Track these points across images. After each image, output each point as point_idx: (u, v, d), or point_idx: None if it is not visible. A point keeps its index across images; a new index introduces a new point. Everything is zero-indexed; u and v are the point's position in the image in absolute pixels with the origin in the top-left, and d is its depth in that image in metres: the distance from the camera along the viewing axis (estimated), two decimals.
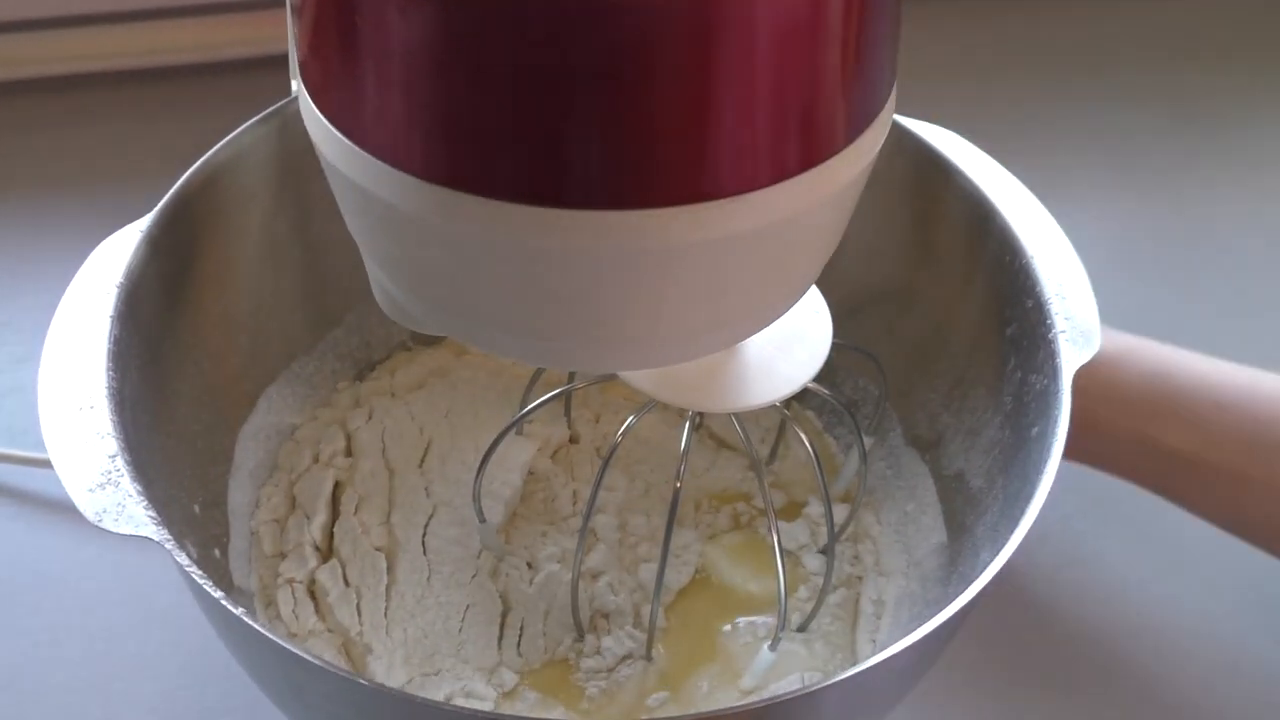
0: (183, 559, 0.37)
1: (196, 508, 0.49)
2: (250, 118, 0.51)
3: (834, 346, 0.45)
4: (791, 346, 0.45)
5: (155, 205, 0.47)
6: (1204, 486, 0.52)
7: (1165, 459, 0.52)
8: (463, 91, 0.31)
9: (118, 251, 0.46)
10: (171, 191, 0.48)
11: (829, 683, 0.37)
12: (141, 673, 0.54)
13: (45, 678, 0.54)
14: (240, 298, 0.53)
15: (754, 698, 0.50)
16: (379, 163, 0.33)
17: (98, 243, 0.47)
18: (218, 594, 0.36)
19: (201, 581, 0.37)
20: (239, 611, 0.36)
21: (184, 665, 0.54)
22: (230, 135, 0.50)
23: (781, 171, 0.32)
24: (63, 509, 0.52)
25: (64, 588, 0.57)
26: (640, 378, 0.43)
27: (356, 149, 0.33)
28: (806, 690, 0.37)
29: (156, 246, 0.46)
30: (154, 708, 0.53)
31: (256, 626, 0.36)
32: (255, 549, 0.52)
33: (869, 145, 0.35)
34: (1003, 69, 0.87)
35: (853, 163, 0.34)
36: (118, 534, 0.38)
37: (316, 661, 0.35)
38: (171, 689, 0.54)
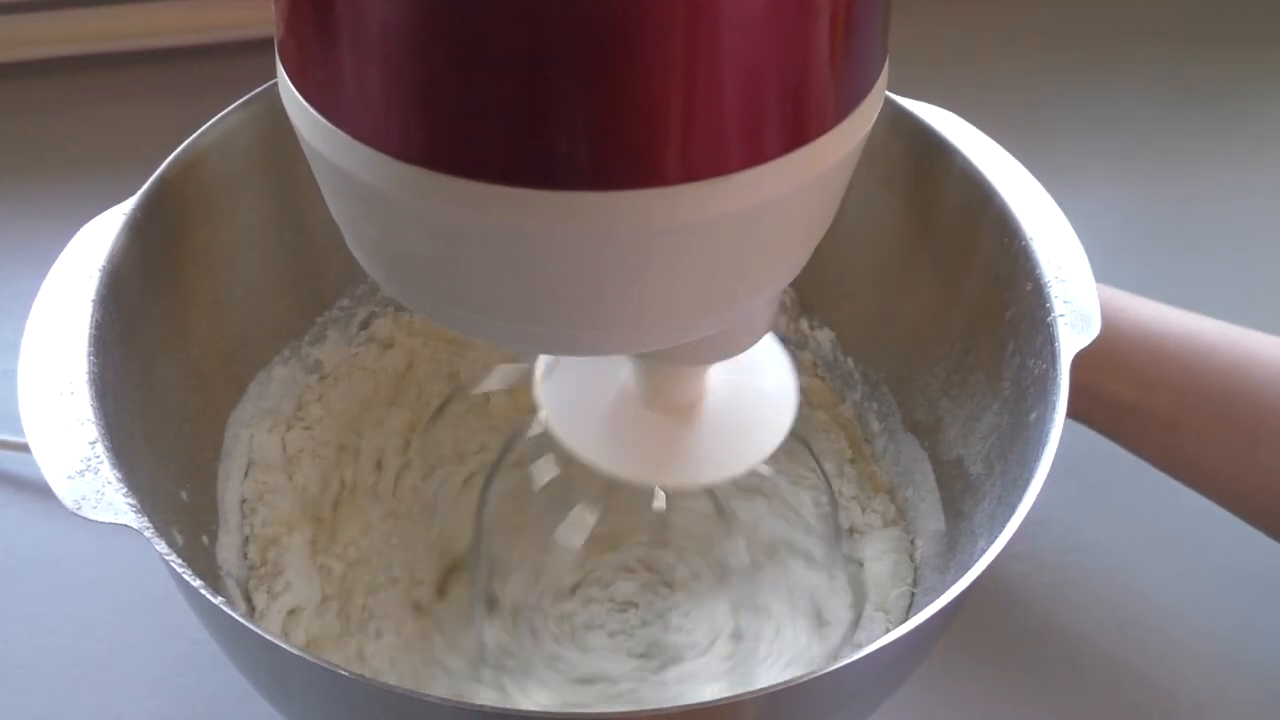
0: (162, 547, 0.37)
1: (184, 494, 0.48)
2: (238, 100, 0.50)
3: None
4: (757, 403, 0.45)
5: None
6: (1141, 432, 0.55)
7: (1106, 405, 0.54)
8: (440, 70, 0.30)
9: (100, 235, 0.45)
10: (155, 174, 0.47)
11: (822, 672, 0.37)
12: (136, 661, 0.54)
13: (37, 666, 0.54)
14: (228, 282, 0.52)
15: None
16: (357, 143, 0.32)
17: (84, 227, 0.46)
18: (197, 583, 0.36)
19: (180, 570, 0.36)
20: (218, 601, 0.35)
21: (179, 653, 0.54)
22: (216, 118, 0.49)
23: (769, 151, 0.32)
24: (55, 496, 0.52)
25: (57, 575, 0.57)
26: (595, 455, 0.43)
27: (334, 129, 0.33)
28: (799, 680, 0.37)
29: (140, 230, 0.46)
30: (149, 695, 0.53)
31: (235, 615, 0.35)
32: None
33: (860, 124, 0.34)
34: (1001, 47, 0.86)
35: (843, 141, 0.33)
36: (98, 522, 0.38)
37: (295, 651, 0.34)
38: (166, 676, 0.54)
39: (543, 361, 0.46)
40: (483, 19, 0.29)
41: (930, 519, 0.53)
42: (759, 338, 0.41)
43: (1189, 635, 0.57)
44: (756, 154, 0.31)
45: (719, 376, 0.44)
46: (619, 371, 0.45)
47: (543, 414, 0.44)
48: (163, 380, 0.48)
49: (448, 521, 0.55)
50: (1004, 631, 0.56)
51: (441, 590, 0.54)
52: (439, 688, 0.49)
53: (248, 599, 0.51)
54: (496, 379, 0.53)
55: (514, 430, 0.52)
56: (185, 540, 0.47)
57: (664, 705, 0.49)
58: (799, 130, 0.32)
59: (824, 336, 0.60)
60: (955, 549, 0.50)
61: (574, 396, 0.45)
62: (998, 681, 0.55)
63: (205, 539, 0.50)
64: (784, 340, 0.60)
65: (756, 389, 0.46)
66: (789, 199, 0.33)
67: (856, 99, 0.33)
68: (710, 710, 0.39)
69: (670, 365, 0.43)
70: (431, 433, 0.57)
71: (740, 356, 0.42)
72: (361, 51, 0.31)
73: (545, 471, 0.49)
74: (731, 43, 0.30)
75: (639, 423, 0.45)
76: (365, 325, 0.59)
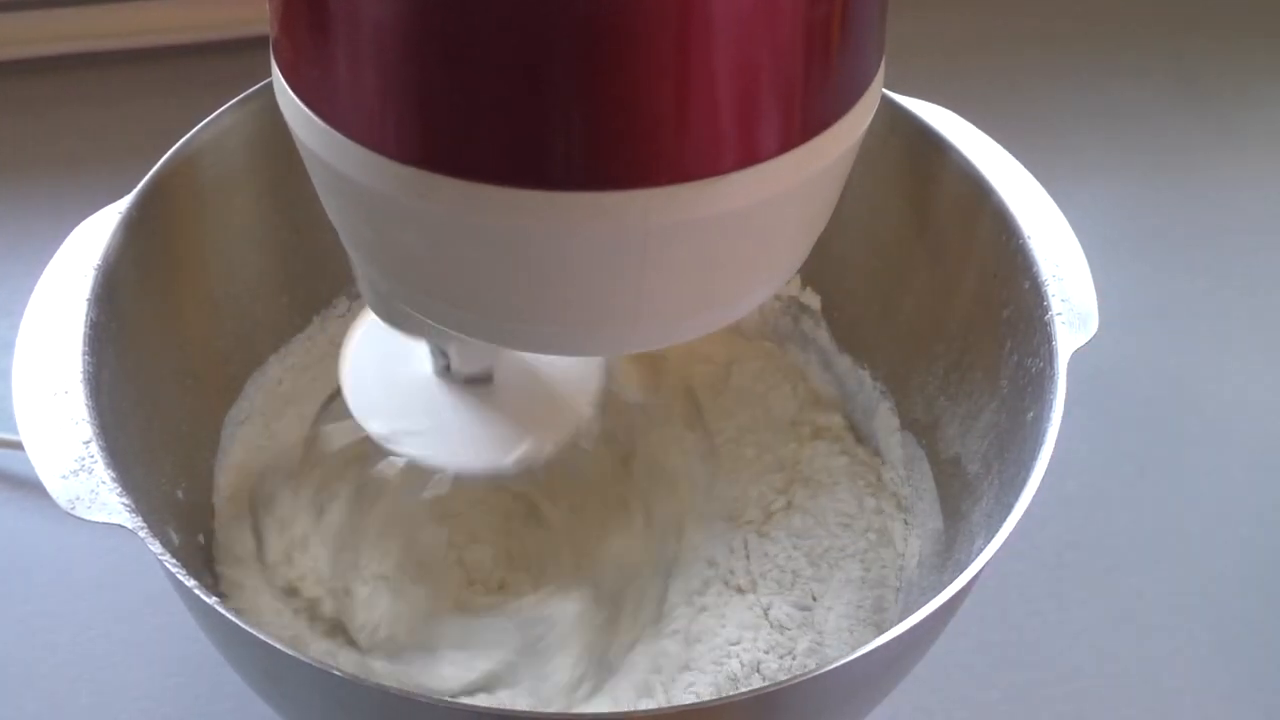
0: (156, 547, 0.37)
1: (180, 493, 0.48)
2: (234, 98, 0.50)
3: None
4: (555, 381, 0.46)
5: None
6: None
7: None
8: (435, 71, 0.30)
9: (95, 234, 0.45)
10: (151, 173, 0.47)
11: (817, 672, 0.37)
12: (132, 660, 0.54)
13: (34, 665, 0.53)
14: (224, 280, 0.52)
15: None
16: (352, 144, 0.32)
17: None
18: (191, 583, 0.36)
19: (174, 569, 0.36)
20: (212, 601, 0.35)
21: (176, 652, 0.54)
22: (211, 116, 0.49)
23: (764, 151, 0.31)
24: None
25: (54, 573, 0.57)
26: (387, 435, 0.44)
27: (329, 130, 0.33)
28: (793, 681, 0.37)
29: (135, 229, 0.46)
30: (145, 695, 0.53)
31: (228, 615, 0.35)
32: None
33: (855, 123, 0.34)
34: (999, 44, 0.85)
35: (839, 141, 0.33)
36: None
37: (289, 651, 0.34)
38: (163, 675, 0.53)
39: (349, 347, 0.46)
40: (477, 19, 0.29)
41: (928, 518, 0.53)
42: None
43: (1188, 635, 0.57)
44: (752, 154, 0.31)
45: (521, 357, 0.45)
46: (422, 350, 0.45)
47: (343, 393, 0.45)
48: (158, 379, 0.48)
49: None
50: (1002, 630, 0.56)
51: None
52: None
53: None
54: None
55: None
56: (181, 540, 0.47)
57: None
58: (794, 130, 0.32)
59: (822, 334, 0.60)
60: (953, 548, 0.50)
61: (372, 373, 0.46)
62: (996, 680, 0.55)
63: (202, 538, 0.50)
64: (783, 338, 0.60)
65: (561, 363, 0.46)
66: (785, 198, 0.33)
67: (852, 98, 0.33)
68: (702, 711, 0.39)
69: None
70: None
71: None
72: (356, 51, 0.31)
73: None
74: (725, 43, 0.30)
75: (432, 402, 0.45)
76: None
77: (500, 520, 0.54)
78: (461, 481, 0.50)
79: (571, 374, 0.47)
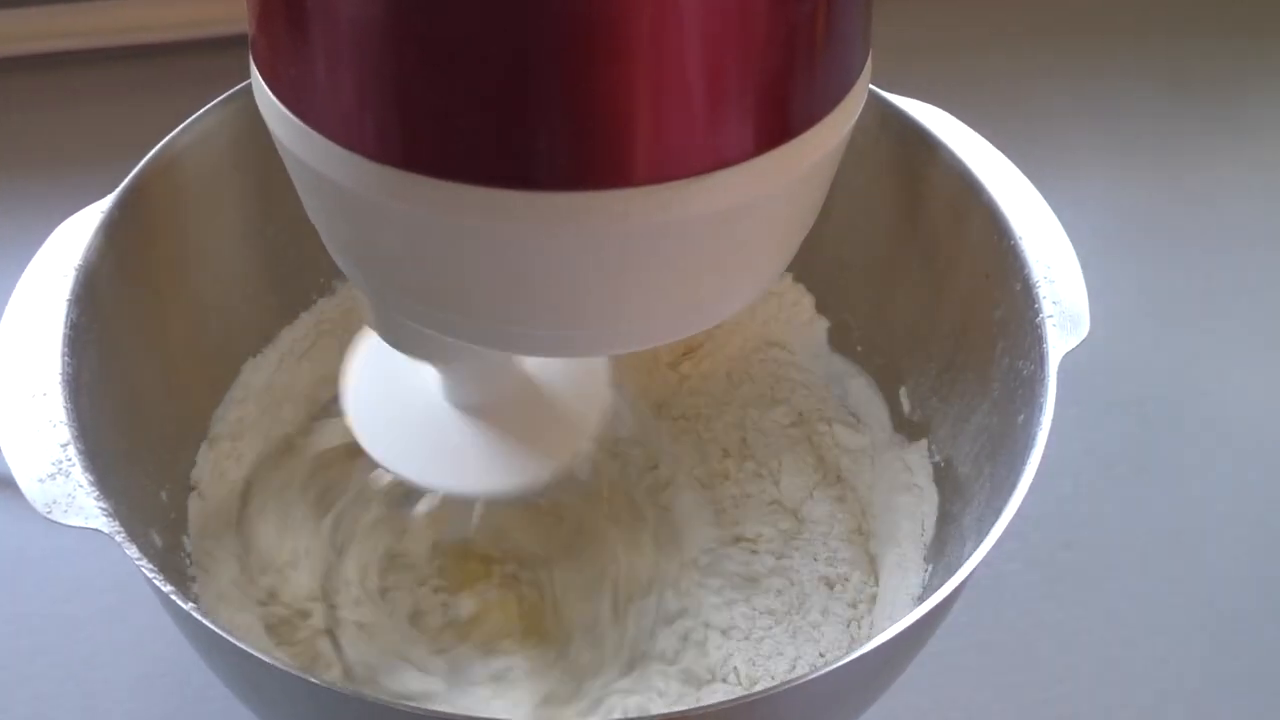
0: (133, 552, 0.36)
1: (163, 495, 0.48)
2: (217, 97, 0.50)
3: None
4: (564, 404, 0.45)
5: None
6: None
7: None
8: (413, 71, 0.30)
9: (76, 234, 0.45)
10: (133, 172, 0.47)
11: (809, 677, 0.37)
12: (120, 660, 0.53)
13: (21, 666, 0.53)
14: (208, 281, 0.52)
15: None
16: (330, 144, 0.32)
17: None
18: (168, 588, 0.36)
19: (151, 575, 0.36)
20: (188, 607, 0.35)
21: (163, 653, 0.54)
22: (195, 115, 0.49)
23: (746, 150, 0.31)
24: None
25: (40, 574, 0.56)
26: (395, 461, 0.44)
27: (308, 130, 0.32)
28: (787, 685, 0.37)
29: (117, 229, 0.46)
30: (132, 695, 0.53)
31: (206, 622, 0.35)
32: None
33: (840, 122, 0.33)
34: (991, 42, 0.85)
35: (823, 140, 0.33)
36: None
37: (266, 659, 0.34)
38: (151, 676, 0.53)
39: (351, 364, 0.46)
40: (455, 19, 0.29)
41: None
42: None
43: (1182, 635, 0.56)
44: (734, 153, 0.31)
45: (528, 375, 0.44)
46: (424, 371, 0.44)
47: (348, 419, 0.45)
48: (141, 381, 0.48)
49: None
50: (997, 630, 0.56)
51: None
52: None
53: None
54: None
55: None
56: (164, 542, 0.46)
57: None
58: (777, 129, 0.31)
59: (814, 335, 0.59)
60: (944, 551, 0.49)
61: (379, 398, 0.45)
62: (990, 681, 0.54)
63: (186, 540, 0.49)
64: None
65: (566, 388, 0.45)
66: (769, 199, 0.33)
67: (836, 97, 0.33)
68: (694, 716, 0.39)
69: (475, 362, 0.42)
70: None
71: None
72: (333, 51, 0.31)
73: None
74: (704, 41, 0.29)
75: (442, 426, 0.45)
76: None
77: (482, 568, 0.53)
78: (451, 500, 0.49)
79: (576, 392, 0.46)
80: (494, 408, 0.45)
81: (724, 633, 0.51)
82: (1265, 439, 0.64)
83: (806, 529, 0.55)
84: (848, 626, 0.52)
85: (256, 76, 0.34)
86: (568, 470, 0.45)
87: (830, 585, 0.53)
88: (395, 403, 0.45)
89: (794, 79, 0.31)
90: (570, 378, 0.46)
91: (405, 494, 0.51)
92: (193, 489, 0.51)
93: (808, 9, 0.30)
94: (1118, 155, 0.78)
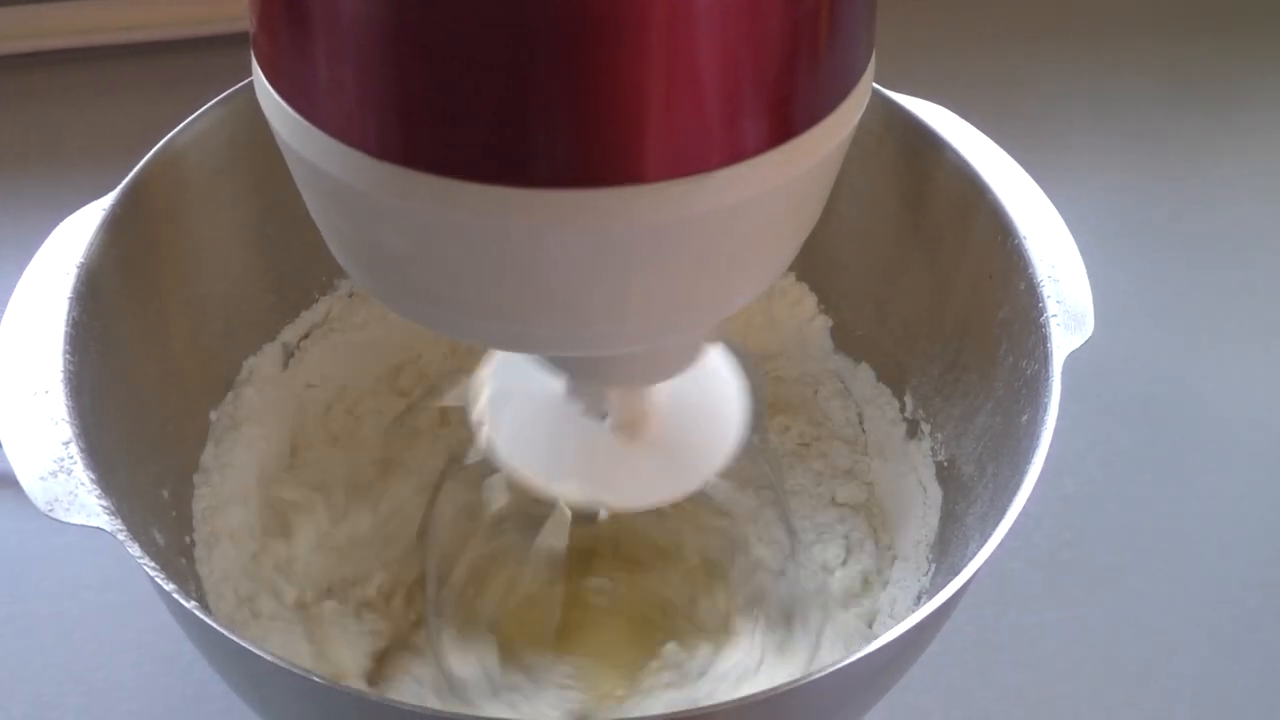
0: (135, 550, 0.36)
1: (165, 493, 0.48)
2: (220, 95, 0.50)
3: None
4: (703, 420, 0.44)
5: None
6: None
7: None
8: (416, 68, 0.29)
9: (78, 231, 0.45)
10: (135, 170, 0.47)
11: (812, 677, 0.36)
12: (121, 660, 0.53)
13: (20, 667, 0.53)
14: (211, 278, 0.52)
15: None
16: (333, 141, 0.32)
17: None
18: (170, 586, 0.36)
19: (153, 573, 0.36)
20: (190, 605, 0.35)
21: (165, 653, 0.54)
22: (196, 112, 0.49)
23: (751, 147, 0.31)
24: None
25: (40, 573, 0.56)
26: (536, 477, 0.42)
27: (310, 127, 0.32)
28: (790, 686, 0.36)
29: (119, 226, 0.45)
30: (134, 696, 0.53)
31: (208, 620, 0.35)
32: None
33: (844, 119, 0.33)
34: (996, 41, 0.85)
35: (827, 137, 0.33)
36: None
37: (268, 657, 0.34)
38: (152, 675, 0.53)
39: (483, 377, 0.45)
40: (456, 15, 0.28)
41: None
42: (694, 359, 0.40)
43: (1185, 634, 0.56)
44: (738, 150, 0.31)
45: (667, 391, 0.43)
46: (561, 387, 0.44)
47: (483, 434, 0.44)
48: (143, 379, 0.47)
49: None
50: (998, 630, 0.56)
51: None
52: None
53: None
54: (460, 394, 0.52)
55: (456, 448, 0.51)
56: (166, 540, 0.46)
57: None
58: (781, 126, 0.31)
59: (817, 334, 0.59)
60: (947, 551, 0.49)
61: (515, 414, 0.44)
62: (992, 680, 0.54)
63: (188, 539, 0.49)
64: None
65: (704, 404, 0.45)
66: (772, 196, 0.32)
67: (841, 94, 0.33)
68: (694, 716, 0.39)
69: (611, 388, 0.42)
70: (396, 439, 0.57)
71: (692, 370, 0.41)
72: (335, 47, 0.30)
73: (498, 490, 0.48)
74: (710, 37, 0.29)
75: (582, 441, 0.44)
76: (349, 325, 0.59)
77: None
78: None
79: (714, 417, 0.45)
80: (633, 425, 0.44)
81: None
82: (1267, 438, 0.64)
83: (809, 529, 0.55)
84: None
85: (258, 73, 0.34)
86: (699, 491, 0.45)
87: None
88: (530, 415, 0.44)
89: (801, 74, 0.31)
90: (706, 392, 0.45)
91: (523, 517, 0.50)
92: (195, 487, 0.51)
93: (814, 5, 0.30)
94: (1122, 155, 0.78)
